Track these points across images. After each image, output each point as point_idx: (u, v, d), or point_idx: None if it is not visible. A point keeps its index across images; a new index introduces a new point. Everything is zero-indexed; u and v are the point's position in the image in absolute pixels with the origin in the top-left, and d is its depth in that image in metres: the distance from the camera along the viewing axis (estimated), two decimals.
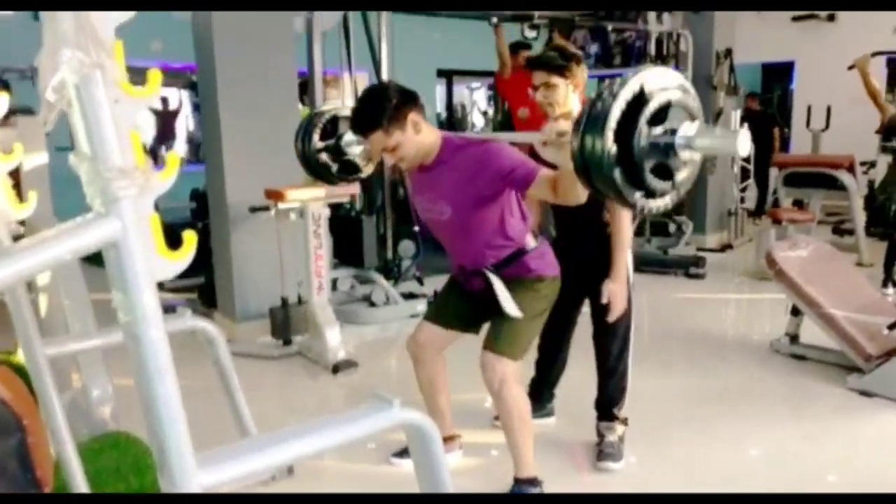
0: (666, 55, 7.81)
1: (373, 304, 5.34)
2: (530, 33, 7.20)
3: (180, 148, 9.16)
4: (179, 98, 9.27)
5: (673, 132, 1.41)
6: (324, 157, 3.13)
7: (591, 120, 1.40)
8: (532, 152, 3.31)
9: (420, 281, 5.81)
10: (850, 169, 6.40)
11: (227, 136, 4.78)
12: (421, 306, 5.35)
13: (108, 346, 2.59)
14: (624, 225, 3.04)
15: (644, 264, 6.68)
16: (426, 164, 2.68)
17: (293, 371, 4.50)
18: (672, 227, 7.31)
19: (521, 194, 2.61)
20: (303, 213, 4.38)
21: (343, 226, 5.51)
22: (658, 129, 1.41)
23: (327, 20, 5.71)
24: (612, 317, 3.05)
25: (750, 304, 6.03)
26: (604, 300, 3.03)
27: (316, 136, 3.11)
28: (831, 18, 9.69)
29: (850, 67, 5.82)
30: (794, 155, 8.71)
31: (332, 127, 3.17)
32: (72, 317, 2.81)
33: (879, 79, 8.20)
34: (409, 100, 2.59)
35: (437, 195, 2.66)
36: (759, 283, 6.29)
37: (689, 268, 6.70)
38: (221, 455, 1.59)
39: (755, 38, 9.40)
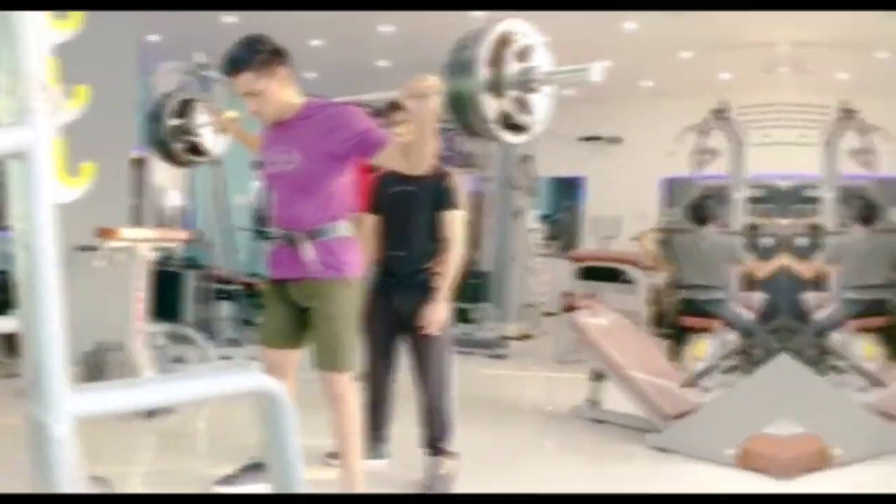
0: (472, 160, 8.41)
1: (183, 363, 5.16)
2: None
3: None
4: None
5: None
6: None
7: (461, 58, 1.70)
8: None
9: (238, 343, 5.70)
10: (636, 265, 7.17)
11: None
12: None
13: None
14: (456, 252, 3.35)
15: None
16: (284, 119, 2.79)
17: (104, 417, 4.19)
18: (475, 315, 7.64)
19: (371, 156, 2.71)
20: (130, 253, 4.25)
21: (162, 279, 5.32)
22: (522, 65, 1.75)
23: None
24: (431, 329, 3.29)
25: (550, 381, 6.34)
26: (424, 320, 3.26)
27: (167, 116, 3.14)
28: (616, 141, 10.86)
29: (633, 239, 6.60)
30: (588, 250, 9.56)
31: (183, 109, 3.22)
32: None
33: (655, 199, 9.32)
34: (282, 54, 2.73)
35: (291, 146, 2.76)
36: (559, 365, 6.61)
37: (493, 348, 6.99)
38: (94, 388, 1.60)
39: (549, 154, 10.26)
